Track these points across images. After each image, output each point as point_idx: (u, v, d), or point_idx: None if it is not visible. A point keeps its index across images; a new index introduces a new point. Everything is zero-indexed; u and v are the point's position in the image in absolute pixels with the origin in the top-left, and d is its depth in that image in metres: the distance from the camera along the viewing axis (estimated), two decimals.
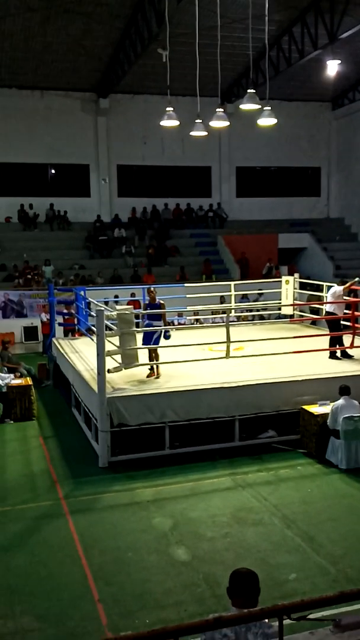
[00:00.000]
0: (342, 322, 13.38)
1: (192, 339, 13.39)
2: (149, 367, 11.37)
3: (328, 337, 13.03)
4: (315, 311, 16.76)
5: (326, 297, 13.81)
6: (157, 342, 11.41)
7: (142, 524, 7.93)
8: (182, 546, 7.31)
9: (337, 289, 12.91)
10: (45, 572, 6.85)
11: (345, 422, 9.49)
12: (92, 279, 23.96)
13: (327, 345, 12.77)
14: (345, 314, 13.06)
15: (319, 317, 15.68)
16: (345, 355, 12.59)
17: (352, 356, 12.50)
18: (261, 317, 19.20)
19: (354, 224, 29.93)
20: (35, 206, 26.37)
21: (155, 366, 11.39)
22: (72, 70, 24.20)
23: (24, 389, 12.81)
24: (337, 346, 12.75)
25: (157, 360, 11.46)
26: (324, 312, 13.94)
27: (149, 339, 11.40)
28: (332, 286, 13.30)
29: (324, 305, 13.82)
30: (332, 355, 12.57)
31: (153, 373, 11.32)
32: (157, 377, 11.26)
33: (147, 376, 11.26)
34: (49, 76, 24.58)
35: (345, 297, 13.08)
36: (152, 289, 11.83)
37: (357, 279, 14.52)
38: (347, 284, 13.13)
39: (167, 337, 11.62)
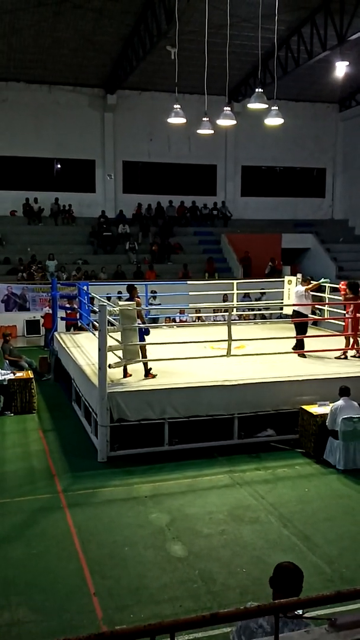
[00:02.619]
0: (340, 324, 13.31)
1: (194, 336, 13.41)
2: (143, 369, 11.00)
3: (329, 338, 13.07)
4: (315, 312, 16.75)
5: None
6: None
7: (139, 519, 7.96)
8: (179, 542, 7.34)
9: (300, 288, 12.80)
10: (42, 564, 6.89)
11: (344, 423, 9.52)
12: (95, 274, 24.03)
13: (328, 346, 12.80)
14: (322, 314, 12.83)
15: (320, 317, 15.70)
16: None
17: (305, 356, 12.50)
18: (263, 317, 19.22)
19: (357, 225, 29.96)
20: (40, 200, 26.40)
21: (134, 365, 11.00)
22: (80, 65, 24.22)
23: (25, 382, 12.84)
24: (300, 348, 12.70)
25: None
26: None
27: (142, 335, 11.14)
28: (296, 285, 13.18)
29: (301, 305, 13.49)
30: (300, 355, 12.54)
31: (129, 373, 10.99)
32: (129, 376, 10.94)
33: (145, 377, 10.94)
34: (58, 71, 24.59)
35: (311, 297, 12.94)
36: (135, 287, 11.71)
37: (322, 280, 14.35)
38: (311, 285, 12.88)
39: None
